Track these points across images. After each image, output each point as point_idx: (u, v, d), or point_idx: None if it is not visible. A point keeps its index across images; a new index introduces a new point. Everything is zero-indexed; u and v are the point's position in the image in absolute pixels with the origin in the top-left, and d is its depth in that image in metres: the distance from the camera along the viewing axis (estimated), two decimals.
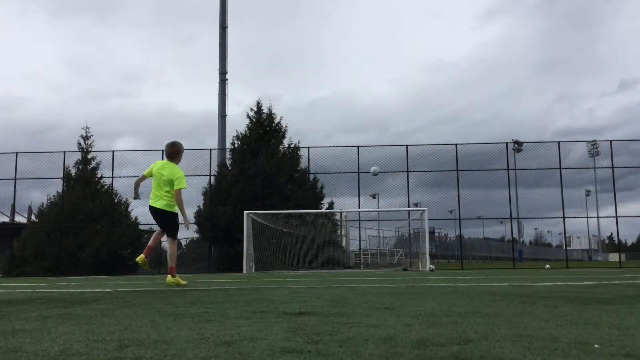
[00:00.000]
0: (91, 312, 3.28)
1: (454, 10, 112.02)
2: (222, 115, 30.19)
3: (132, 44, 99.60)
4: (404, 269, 18.91)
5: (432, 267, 18.10)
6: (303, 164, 23.02)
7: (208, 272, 19.86)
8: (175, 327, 2.49)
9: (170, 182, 6.56)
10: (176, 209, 6.72)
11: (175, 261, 6.69)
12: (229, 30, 30.88)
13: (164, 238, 7.02)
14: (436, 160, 22.02)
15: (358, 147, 21.84)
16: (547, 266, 20.50)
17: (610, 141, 21.48)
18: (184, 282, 6.61)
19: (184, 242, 28.49)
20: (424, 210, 20.01)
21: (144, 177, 7.01)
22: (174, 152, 6.80)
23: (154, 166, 6.81)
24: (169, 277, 6.54)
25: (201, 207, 22.66)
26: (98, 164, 22.86)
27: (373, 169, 17.37)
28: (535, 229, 60.16)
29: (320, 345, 1.93)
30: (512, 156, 22.94)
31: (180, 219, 6.76)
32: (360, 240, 24.46)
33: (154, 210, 6.65)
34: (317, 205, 22.25)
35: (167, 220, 6.66)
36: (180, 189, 6.59)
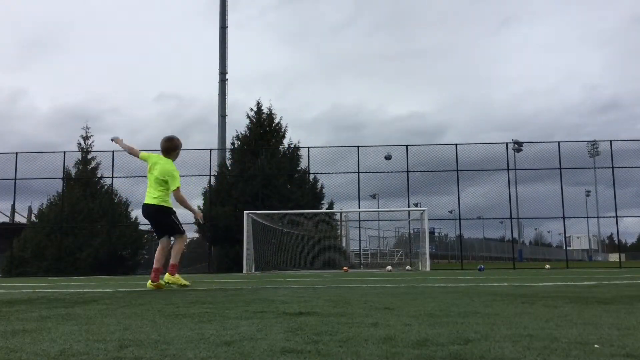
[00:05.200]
0: (91, 312, 3.28)
1: None
2: (222, 115, 30.21)
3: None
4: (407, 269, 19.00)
5: (408, 267, 18.94)
6: (303, 164, 23.04)
7: (208, 272, 19.86)
8: (175, 327, 2.49)
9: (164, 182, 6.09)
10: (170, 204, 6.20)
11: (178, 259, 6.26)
12: (229, 30, 30.96)
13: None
14: (438, 160, 22.08)
15: (358, 147, 21.86)
16: (547, 266, 20.50)
17: (611, 141, 21.49)
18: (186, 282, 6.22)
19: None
20: (424, 210, 20.02)
21: (135, 153, 6.47)
22: (168, 147, 6.26)
23: (150, 158, 6.28)
24: (167, 275, 6.12)
25: (201, 207, 22.66)
26: (98, 164, 22.89)
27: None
28: (535, 229, 60.18)
29: (320, 345, 1.93)
30: (512, 156, 22.97)
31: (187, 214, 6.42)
32: (360, 240, 24.47)
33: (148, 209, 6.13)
34: (317, 206, 22.24)
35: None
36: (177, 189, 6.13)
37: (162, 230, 6.25)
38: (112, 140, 6.63)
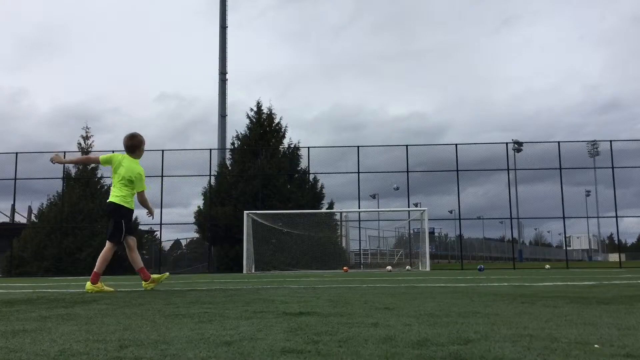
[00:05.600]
0: (91, 312, 3.28)
1: None
2: (222, 115, 30.22)
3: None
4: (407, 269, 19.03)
5: (408, 267, 19.13)
6: (303, 164, 23.04)
7: (208, 272, 19.86)
8: (175, 327, 2.49)
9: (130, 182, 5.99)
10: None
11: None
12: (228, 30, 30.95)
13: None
14: (438, 160, 22.09)
15: (358, 147, 21.86)
16: (547, 266, 20.52)
17: (611, 141, 21.50)
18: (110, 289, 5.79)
19: (184, 242, 28.52)
20: (424, 210, 20.02)
21: (93, 161, 6.38)
22: (133, 145, 6.08)
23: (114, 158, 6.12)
24: (88, 284, 5.76)
25: (201, 207, 22.66)
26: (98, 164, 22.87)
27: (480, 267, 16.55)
28: (535, 229, 60.26)
29: (320, 345, 1.93)
30: (512, 156, 22.97)
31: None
32: (360, 240, 24.48)
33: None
34: (317, 206, 22.24)
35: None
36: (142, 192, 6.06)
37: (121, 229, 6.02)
38: (51, 161, 6.26)
